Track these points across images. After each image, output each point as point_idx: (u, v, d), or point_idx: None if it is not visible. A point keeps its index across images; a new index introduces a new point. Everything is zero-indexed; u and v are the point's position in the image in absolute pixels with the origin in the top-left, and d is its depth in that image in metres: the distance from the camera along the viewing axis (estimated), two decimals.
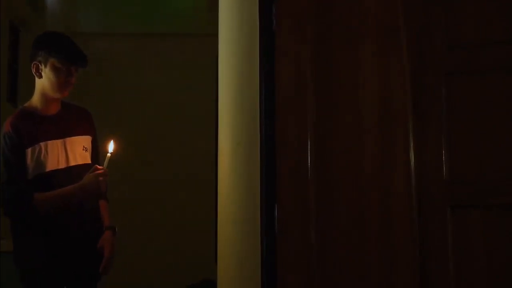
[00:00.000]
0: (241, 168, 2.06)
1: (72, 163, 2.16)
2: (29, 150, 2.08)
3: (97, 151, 2.31)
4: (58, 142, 2.14)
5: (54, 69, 2.10)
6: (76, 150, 2.18)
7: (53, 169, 2.11)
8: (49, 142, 2.12)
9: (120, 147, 2.20)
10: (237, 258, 2.09)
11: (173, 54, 4.40)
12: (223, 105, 2.24)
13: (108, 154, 2.15)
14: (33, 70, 2.14)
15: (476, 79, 1.77)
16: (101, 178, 2.11)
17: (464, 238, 1.73)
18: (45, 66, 2.11)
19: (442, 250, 1.74)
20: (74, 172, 2.15)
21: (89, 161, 2.23)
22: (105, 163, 2.14)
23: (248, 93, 2.01)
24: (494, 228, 1.72)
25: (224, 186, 2.20)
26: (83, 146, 2.21)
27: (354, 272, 1.79)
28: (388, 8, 1.82)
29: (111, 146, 2.17)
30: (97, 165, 2.14)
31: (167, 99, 4.35)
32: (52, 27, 3.65)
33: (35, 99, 2.18)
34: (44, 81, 2.13)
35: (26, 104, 2.20)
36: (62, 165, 2.14)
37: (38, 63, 2.13)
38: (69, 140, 2.17)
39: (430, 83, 1.79)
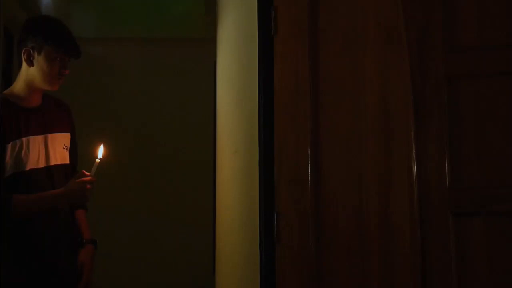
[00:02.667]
0: (240, 175, 2.03)
1: (52, 163, 1.96)
2: (9, 145, 1.86)
3: (75, 151, 2.11)
4: (40, 138, 1.94)
5: (49, 59, 1.91)
6: (56, 148, 1.99)
7: (32, 168, 1.90)
8: (31, 137, 1.91)
9: (110, 153, 2.02)
10: (235, 267, 2.06)
11: (171, 59, 4.38)
12: (221, 111, 2.21)
13: (97, 160, 1.95)
14: (24, 57, 1.92)
15: (478, 82, 1.75)
16: (89, 186, 1.90)
17: (466, 246, 1.71)
18: (39, 54, 1.91)
19: (444, 257, 1.72)
20: (53, 173, 1.96)
21: (68, 162, 2.04)
22: (93, 169, 1.94)
23: (246, 98, 1.99)
24: (497, 236, 1.70)
25: (223, 194, 2.17)
26: (64, 144, 2.02)
27: (354, 281, 1.77)
28: (388, 10, 1.80)
29: (100, 152, 1.98)
30: (84, 171, 1.94)
31: (164, 105, 4.33)
32: None
33: (18, 88, 1.95)
34: (34, 70, 1.92)
35: (6, 92, 1.97)
36: (42, 164, 1.93)
37: (30, 49, 1.92)
38: (50, 136, 1.97)
39: (432, 87, 1.77)
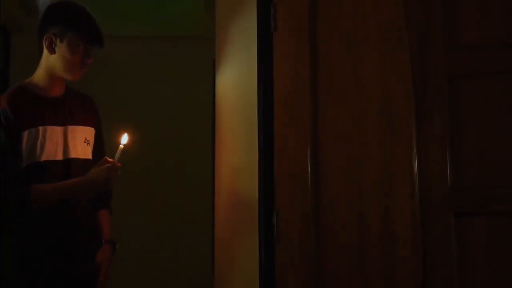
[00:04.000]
0: (239, 175, 2.02)
1: (72, 156, 1.85)
2: (25, 133, 1.76)
3: (101, 148, 2.00)
4: (59, 129, 1.84)
5: (72, 46, 1.82)
6: (77, 141, 1.88)
7: (48, 159, 1.79)
8: (49, 127, 1.81)
9: (133, 141, 1.91)
10: (235, 267, 2.05)
11: (170, 57, 4.37)
12: (220, 109, 2.20)
13: (121, 146, 1.84)
14: (45, 44, 1.83)
15: (479, 82, 1.75)
16: (114, 173, 1.80)
17: (467, 246, 1.71)
18: (61, 41, 1.82)
19: (445, 257, 1.72)
20: (71, 166, 1.84)
21: (90, 157, 1.93)
22: (117, 156, 1.83)
23: (246, 97, 1.98)
24: (498, 235, 1.70)
25: (222, 193, 2.16)
26: (85, 138, 1.92)
27: (354, 281, 1.76)
28: (389, 10, 1.80)
29: (124, 138, 1.89)
30: (107, 158, 1.83)
31: (163, 102, 4.32)
32: None
33: (38, 77, 1.87)
34: (55, 58, 1.83)
35: (26, 81, 1.89)
36: (60, 157, 1.83)
37: (52, 36, 1.83)
38: (70, 128, 1.87)
39: (433, 87, 1.77)
